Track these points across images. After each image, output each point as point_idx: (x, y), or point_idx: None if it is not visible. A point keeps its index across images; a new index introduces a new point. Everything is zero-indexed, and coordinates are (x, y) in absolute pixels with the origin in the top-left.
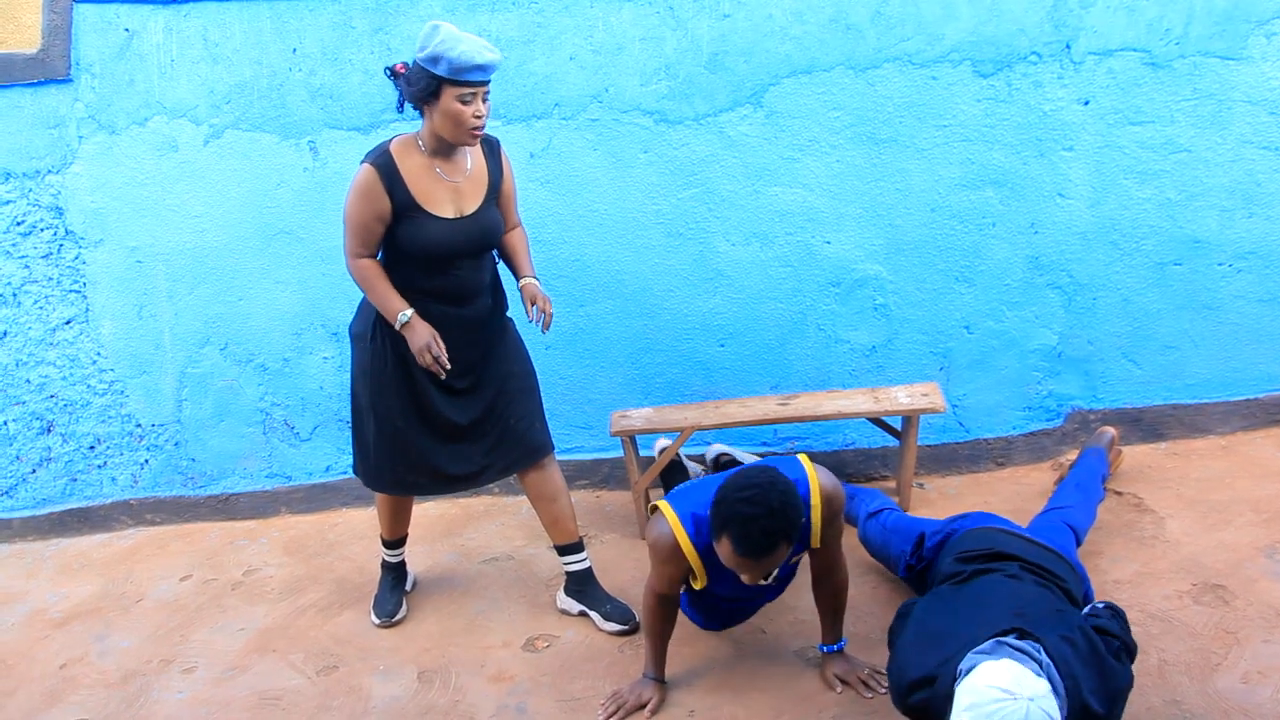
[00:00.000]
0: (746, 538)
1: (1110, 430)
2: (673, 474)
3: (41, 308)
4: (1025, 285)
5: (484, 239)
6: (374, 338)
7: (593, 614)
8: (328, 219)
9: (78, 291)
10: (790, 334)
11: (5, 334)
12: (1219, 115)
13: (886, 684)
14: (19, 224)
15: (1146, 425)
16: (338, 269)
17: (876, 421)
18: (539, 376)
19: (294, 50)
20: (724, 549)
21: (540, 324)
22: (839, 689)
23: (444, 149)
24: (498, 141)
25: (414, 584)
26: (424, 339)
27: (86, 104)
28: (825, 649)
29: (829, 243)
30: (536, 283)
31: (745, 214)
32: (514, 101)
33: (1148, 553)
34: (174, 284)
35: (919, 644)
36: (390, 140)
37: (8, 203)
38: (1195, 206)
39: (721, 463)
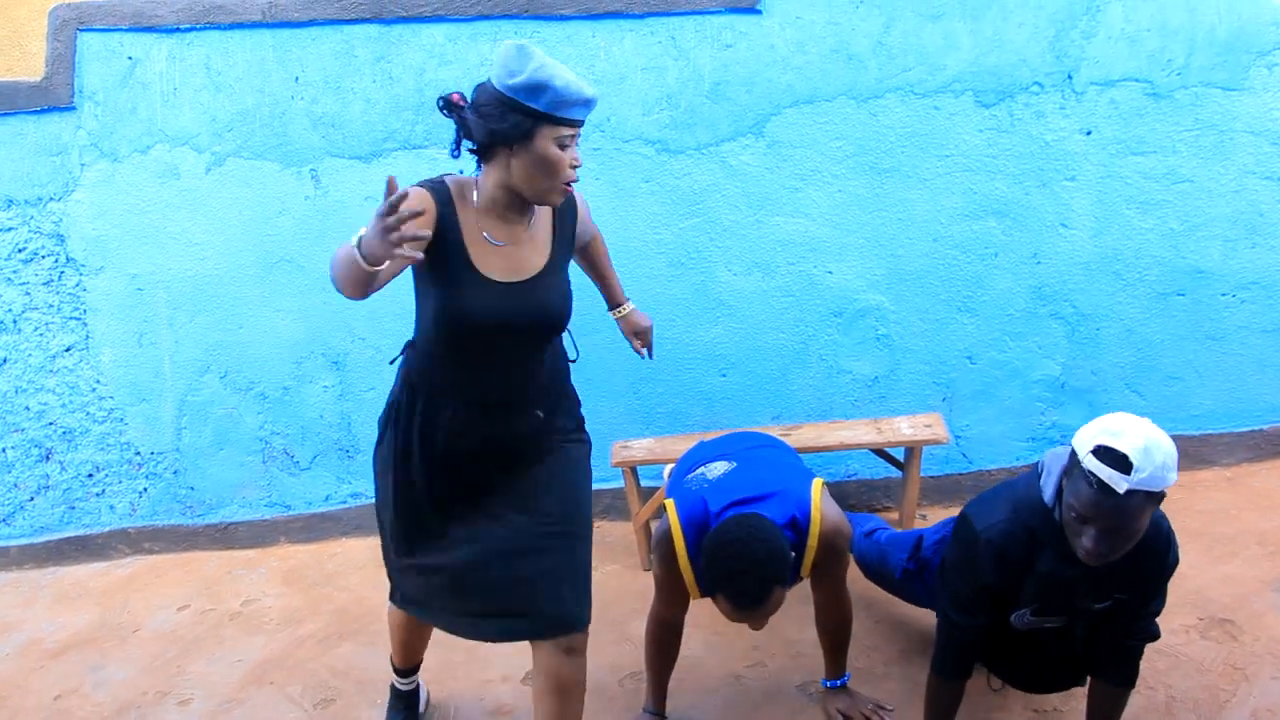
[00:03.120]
0: (741, 594)
1: None
2: None
3: (42, 335)
4: (1028, 315)
5: (542, 313)
6: (380, 440)
7: None
8: (329, 247)
9: (78, 319)
10: (792, 364)
11: (5, 361)
12: (1221, 145)
13: (891, 719)
14: (20, 251)
15: None
16: (339, 298)
17: (879, 453)
18: None
19: (296, 79)
20: (723, 606)
21: (646, 354)
22: None
23: (505, 209)
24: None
25: (426, 704)
26: (374, 218)
27: (89, 131)
28: (828, 684)
29: (831, 272)
30: (633, 308)
31: (747, 244)
32: None
33: None
34: (174, 312)
35: (989, 507)
36: (443, 176)
37: (9, 229)
38: (1198, 237)
39: None
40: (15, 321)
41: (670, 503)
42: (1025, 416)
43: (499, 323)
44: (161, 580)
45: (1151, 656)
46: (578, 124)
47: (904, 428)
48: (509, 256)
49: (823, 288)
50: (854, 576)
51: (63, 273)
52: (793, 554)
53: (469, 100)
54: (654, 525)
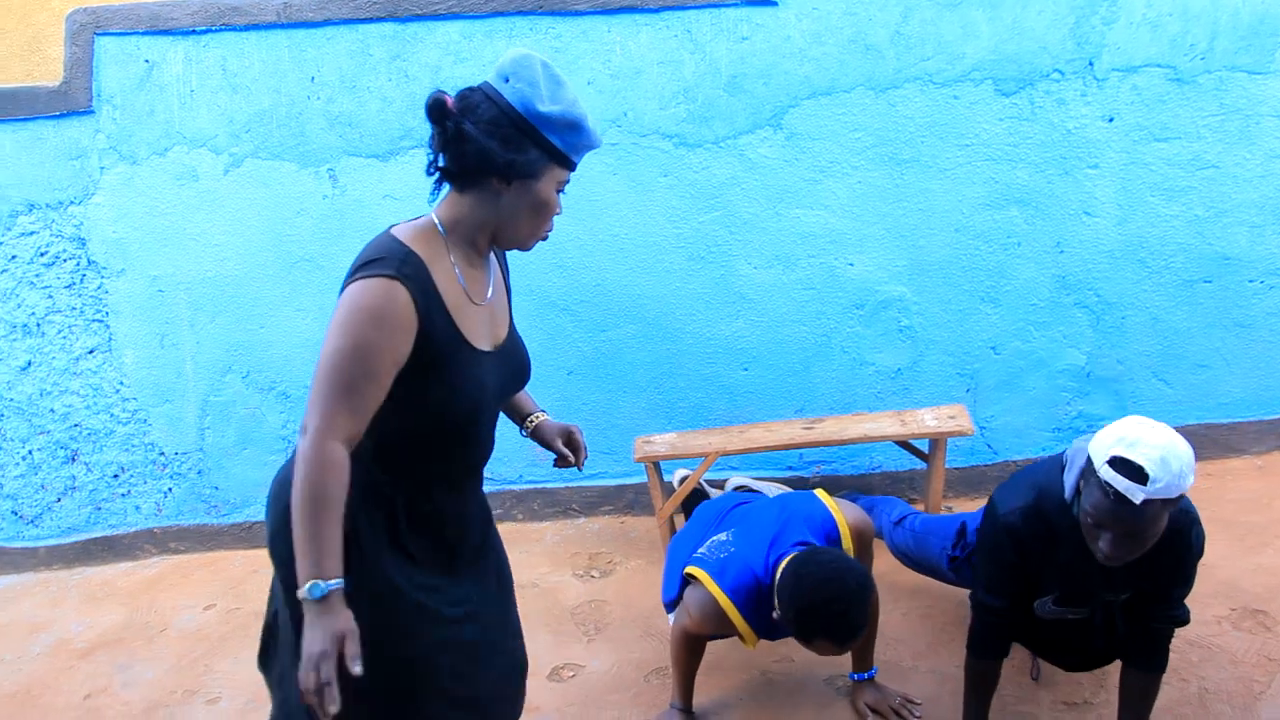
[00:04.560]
0: (849, 629)
1: None
2: (695, 501)
3: (65, 337)
4: (1052, 305)
5: (524, 376)
6: (377, 589)
7: None
8: (347, 246)
9: (100, 321)
10: (814, 357)
11: (30, 364)
12: (1247, 130)
13: (919, 712)
14: (42, 254)
15: None
16: None
17: (903, 444)
18: (562, 402)
19: (312, 78)
20: (821, 646)
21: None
22: (870, 718)
23: (478, 251)
24: None
25: None
26: (332, 641)
27: (108, 135)
28: (856, 677)
29: (852, 264)
30: (547, 415)
31: (767, 237)
32: None
33: None
34: (195, 312)
35: (1012, 491)
36: (398, 235)
37: (31, 233)
38: (1224, 223)
39: None
40: (39, 325)
41: (699, 571)
42: (1050, 407)
43: (498, 392)
44: (187, 580)
45: (1183, 648)
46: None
47: (928, 419)
48: (490, 313)
49: (844, 280)
50: (883, 570)
51: (84, 275)
52: None
53: (459, 108)
54: (683, 608)
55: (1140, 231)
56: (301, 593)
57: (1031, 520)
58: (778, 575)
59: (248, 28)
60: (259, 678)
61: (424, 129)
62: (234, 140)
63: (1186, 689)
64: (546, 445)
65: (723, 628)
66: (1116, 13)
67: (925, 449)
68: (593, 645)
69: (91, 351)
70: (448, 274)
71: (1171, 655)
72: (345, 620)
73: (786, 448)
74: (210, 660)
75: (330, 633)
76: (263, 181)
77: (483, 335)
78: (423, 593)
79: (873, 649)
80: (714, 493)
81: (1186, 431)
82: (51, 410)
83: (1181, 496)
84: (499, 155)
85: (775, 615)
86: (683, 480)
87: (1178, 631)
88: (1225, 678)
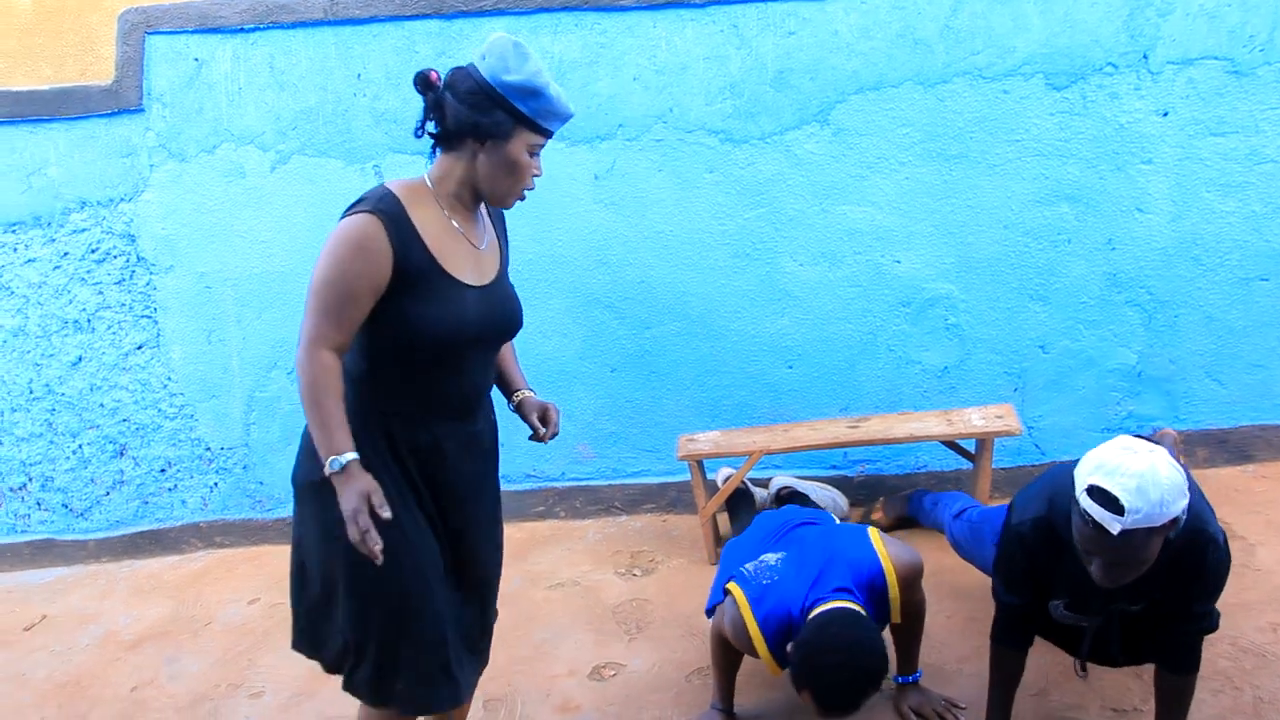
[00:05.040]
0: (833, 701)
1: (1171, 432)
2: (739, 500)
3: (115, 333)
4: (1103, 303)
5: (512, 318)
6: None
7: None
8: None
9: (149, 317)
10: (860, 355)
11: (80, 359)
12: None
13: (963, 717)
14: (93, 251)
15: (1233, 447)
16: None
17: (950, 444)
18: (605, 399)
19: (358, 76)
20: (807, 699)
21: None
22: None
23: (465, 205)
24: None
25: None
26: (358, 499)
27: (157, 133)
28: (900, 680)
29: (899, 262)
30: (534, 394)
31: (813, 233)
32: (578, 123)
33: (1238, 582)
34: (242, 309)
35: (1030, 497)
36: (386, 185)
37: (83, 230)
38: None
39: (782, 496)
40: (89, 320)
41: (739, 592)
42: (1100, 406)
43: (481, 325)
44: (232, 574)
45: (1237, 655)
46: (550, 135)
47: (975, 419)
48: (476, 258)
49: (890, 277)
50: (930, 573)
51: (134, 272)
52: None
53: (444, 82)
54: (721, 611)
55: (1195, 228)
56: (326, 468)
57: (1041, 530)
58: (809, 619)
59: (295, 25)
60: (302, 672)
61: None
62: (281, 137)
63: (1240, 697)
64: (525, 419)
65: (749, 651)
66: (1172, 4)
67: (972, 449)
68: (634, 644)
69: (140, 347)
70: (429, 215)
71: (1224, 662)
72: (366, 481)
73: (831, 447)
74: (254, 654)
75: (357, 492)
76: (309, 178)
77: (465, 271)
78: (413, 528)
79: (918, 652)
80: (758, 492)
81: (1241, 434)
82: (101, 405)
83: (1173, 522)
84: (469, 118)
85: (788, 649)
86: (726, 479)
87: (1230, 638)
88: None
